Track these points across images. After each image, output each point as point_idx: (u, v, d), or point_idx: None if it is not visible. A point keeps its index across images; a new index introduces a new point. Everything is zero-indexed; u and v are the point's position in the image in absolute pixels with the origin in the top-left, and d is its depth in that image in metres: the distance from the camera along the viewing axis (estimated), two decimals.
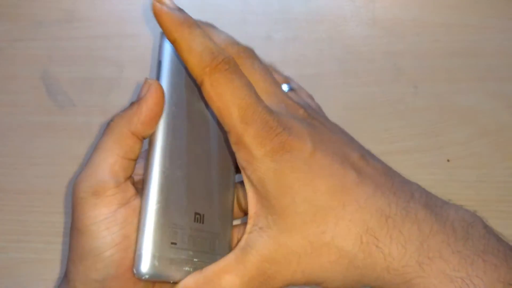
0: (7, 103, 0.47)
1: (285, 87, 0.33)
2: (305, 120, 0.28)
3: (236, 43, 0.30)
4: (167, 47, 0.28)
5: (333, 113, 0.35)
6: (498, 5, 0.54)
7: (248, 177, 0.26)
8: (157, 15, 0.25)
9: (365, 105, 0.46)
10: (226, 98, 0.25)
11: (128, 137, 0.25)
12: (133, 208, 0.25)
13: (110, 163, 0.25)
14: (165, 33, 0.25)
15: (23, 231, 0.42)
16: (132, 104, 0.26)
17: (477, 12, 0.53)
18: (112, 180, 0.25)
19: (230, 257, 0.26)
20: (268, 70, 0.30)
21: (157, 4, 0.25)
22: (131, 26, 0.51)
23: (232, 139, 0.25)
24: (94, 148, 0.26)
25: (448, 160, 0.44)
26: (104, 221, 0.24)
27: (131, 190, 0.26)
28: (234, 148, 0.26)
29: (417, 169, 0.44)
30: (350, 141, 0.29)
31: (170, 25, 0.25)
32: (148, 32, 0.51)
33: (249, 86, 0.26)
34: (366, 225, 0.24)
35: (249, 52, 0.29)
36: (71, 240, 0.25)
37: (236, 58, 0.26)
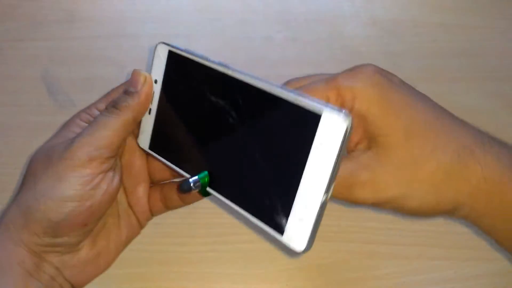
0: (7, 103, 0.47)
1: None
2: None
3: None
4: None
5: None
6: (497, 6, 0.54)
7: (356, 108, 0.28)
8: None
9: None
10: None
11: (132, 124, 0.30)
12: (109, 177, 0.29)
13: (114, 142, 0.29)
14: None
15: None
16: (132, 94, 0.30)
17: (476, 13, 0.53)
18: (107, 153, 0.29)
19: None
20: None
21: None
22: (131, 26, 0.51)
23: (335, 87, 0.29)
24: (103, 122, 0.29)
25: None
26: (82, 178, 0.28)
27: (113, 162, 0.30)
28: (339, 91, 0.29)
29: None
30: None
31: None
32: (148, 32, 0.51)
33: None
34: (463, 142, 0.26)
35: None
36: (44, 181, 0.28)
37: None
